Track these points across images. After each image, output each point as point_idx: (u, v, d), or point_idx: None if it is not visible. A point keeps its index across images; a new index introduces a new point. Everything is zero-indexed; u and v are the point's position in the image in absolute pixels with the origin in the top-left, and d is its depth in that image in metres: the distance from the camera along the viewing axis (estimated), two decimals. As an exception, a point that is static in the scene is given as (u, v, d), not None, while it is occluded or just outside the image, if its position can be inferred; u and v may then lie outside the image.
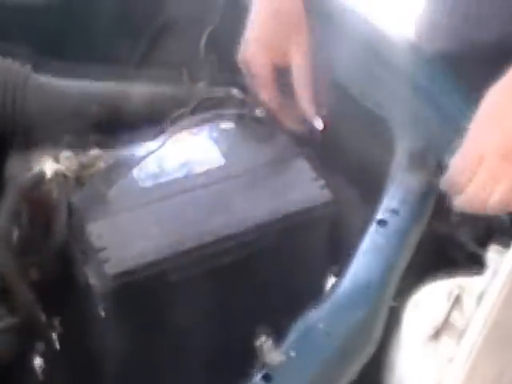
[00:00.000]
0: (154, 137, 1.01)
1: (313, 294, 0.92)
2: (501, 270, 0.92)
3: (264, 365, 0.79)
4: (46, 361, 1.01)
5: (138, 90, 1.12)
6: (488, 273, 0.93)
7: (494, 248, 0.98)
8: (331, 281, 0.95)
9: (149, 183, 0.97)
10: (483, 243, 0.98)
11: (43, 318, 0.99)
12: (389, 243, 0.93)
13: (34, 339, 1.00)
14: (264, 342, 0.80)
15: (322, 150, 1.06)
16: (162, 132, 1.04)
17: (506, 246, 0.96)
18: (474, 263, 0.98)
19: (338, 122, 1.06)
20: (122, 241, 0.90)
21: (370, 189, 1.00)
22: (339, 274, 0.92)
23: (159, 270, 0.89)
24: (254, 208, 0.95)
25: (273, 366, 0.79)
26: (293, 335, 0.82)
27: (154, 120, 1.09)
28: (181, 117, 1.09)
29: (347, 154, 1.08)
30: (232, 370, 0.81)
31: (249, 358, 0.82)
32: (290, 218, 0.95)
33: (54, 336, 1.02)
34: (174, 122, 1.09)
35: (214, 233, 0.92)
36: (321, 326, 0.84)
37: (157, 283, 0.89)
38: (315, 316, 0.84)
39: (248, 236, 0.93)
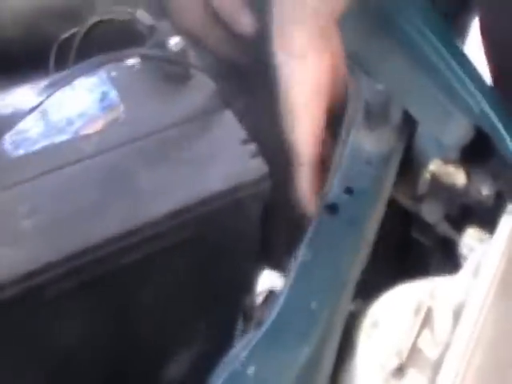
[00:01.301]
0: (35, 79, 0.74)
1: (239, 309, 0.69)
2: (483, 266, 0.69)
3: None
4: None
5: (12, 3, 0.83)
6: (466, 270, 0.71)
7: (473, 233, 0.75)
8: (264, 288, 0.71)
9: (21, 151, 0.70)
10: (458, 226, 0.75)
11: None
12: (341, 237, 0.69)
13: None
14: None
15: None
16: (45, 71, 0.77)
17: (488, 230, 0.74)
18: (446, 252, 0.76)
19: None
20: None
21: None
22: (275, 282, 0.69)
23: (32, 284, 0.64)
24: (163, 189, 0.69)
25: None
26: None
27: (35, 45, 0.81)
28: (72, 39, 0.82)
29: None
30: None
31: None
32: (210, 203, 0.70)
33: None
34: (63, 46, 0.82)
35: (107, 229, 0.66)
36: (250, 371, 0.61)
37: (28, 302, 0.64)
38: (242, 356, 0.61)
39: (153, 229, 0.68)
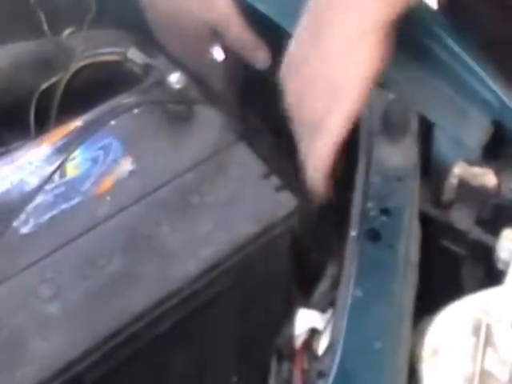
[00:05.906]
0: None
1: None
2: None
3: None
4: None
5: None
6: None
7: (510, 234, 0.67)
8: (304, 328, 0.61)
9: (31, 224, 0.59)
10: (492, 229, 0.67)
11: None
12: (388, 264, 0.60)
13: None
14: None
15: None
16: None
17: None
18: (480, 260, 0.67)
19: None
20: (5, 339, 0.54)
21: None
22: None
23: (71, 375, 0.54)
24: (192, 242, 0.59)
25: None
26: None
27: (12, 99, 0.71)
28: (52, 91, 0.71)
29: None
30: None
31: None
32: (245, 248, 0.60)
33: None
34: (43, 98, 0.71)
35: (141, 300, 0.56)
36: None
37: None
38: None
39: (190, 289, 0.58)
